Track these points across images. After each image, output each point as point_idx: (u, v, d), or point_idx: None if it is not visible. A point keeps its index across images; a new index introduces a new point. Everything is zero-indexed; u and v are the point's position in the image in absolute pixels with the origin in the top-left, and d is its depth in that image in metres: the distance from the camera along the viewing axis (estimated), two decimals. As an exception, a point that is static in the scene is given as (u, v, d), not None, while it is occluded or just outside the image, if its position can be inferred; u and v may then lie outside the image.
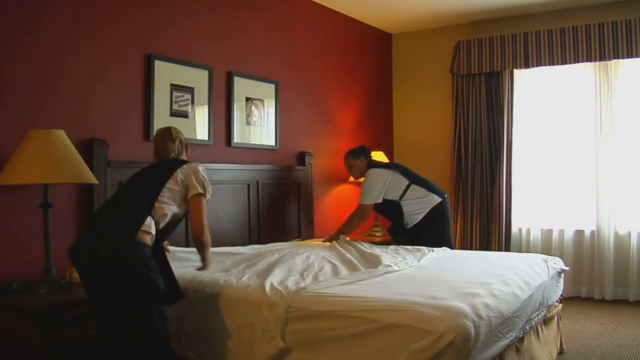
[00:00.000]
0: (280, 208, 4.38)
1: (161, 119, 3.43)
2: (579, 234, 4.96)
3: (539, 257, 3.32)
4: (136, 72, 3.36)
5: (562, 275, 3.36)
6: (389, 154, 5.64)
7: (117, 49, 3.25)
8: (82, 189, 3.04)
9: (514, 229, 5.16)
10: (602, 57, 4.71)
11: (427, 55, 5.69)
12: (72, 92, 3.02)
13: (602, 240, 4.82)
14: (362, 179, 4.25)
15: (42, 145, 2.60)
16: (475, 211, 5.26)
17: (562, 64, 4.89)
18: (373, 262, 3.09)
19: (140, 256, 2.27)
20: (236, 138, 4.04)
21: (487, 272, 2.83)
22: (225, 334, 2.53)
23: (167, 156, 2.66)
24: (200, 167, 2.60)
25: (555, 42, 4.88)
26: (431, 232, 3.92)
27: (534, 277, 2.87)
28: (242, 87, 4.09)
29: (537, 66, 4.99)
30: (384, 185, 4.00)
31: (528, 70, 5.10)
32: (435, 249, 3.54)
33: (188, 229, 3.29)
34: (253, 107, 4.20)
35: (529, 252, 4.97)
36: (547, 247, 5.03)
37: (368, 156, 4.29)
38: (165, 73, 3.50)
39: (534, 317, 2.82)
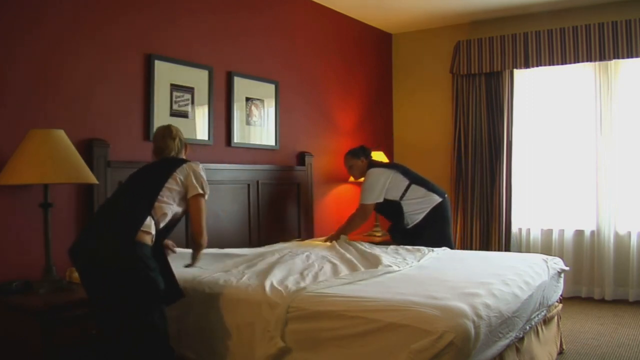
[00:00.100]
0: (280, 208, 4.38)
1: (161, 119, 3.43)
2: (579, 234, 4.96)
3: (539, 257, 3.32)
4: (136, 72, 3.36)
5: (562, 275, 3.36)
6: (389, 154, 5.64)
7: (117, 49, 3.25)
8: (82, 189, 3.04)
9: (514, 229, 5.16)
10: (602, 57, 4.71)
11: (427, 55, 5.69)
12: (72, 92, 3.02)
13: (602, 240, 4.82)
14: (362, 179, 4.25)
15: (42, 145, 2.60)
16: (475, 211, 5.26)
17: (562, 64, 4.89)
18: (373, 262, 3.08)
19: (140, 256, 2.27)
20: (236, 138, 4.04)
21: (487, 272, 2.83)
22: (225, 334, 2.53)
23: (167, 154, 2.66)
24: (200, 166, 2.60)
25: (555, 42, 4.88)
26: (431, 232, 3.92)
27: (534, 277, 2.87)
28: (242, 87, 4.09)
29: (537, 66, 4.99)
30: (384, 184, 4.00)
31: (528, 70, 5.10)
32: (435, 249, 3.54)
33: (188, 229, 3.29)
34: (253, 107, 4.20)
35: (529, 252, 4.97)
36: (547, 247, 5.03)
37: (368, 156, 4.29)
38: (165, 73, 3.50)
39: (534, 317, 2.82)
